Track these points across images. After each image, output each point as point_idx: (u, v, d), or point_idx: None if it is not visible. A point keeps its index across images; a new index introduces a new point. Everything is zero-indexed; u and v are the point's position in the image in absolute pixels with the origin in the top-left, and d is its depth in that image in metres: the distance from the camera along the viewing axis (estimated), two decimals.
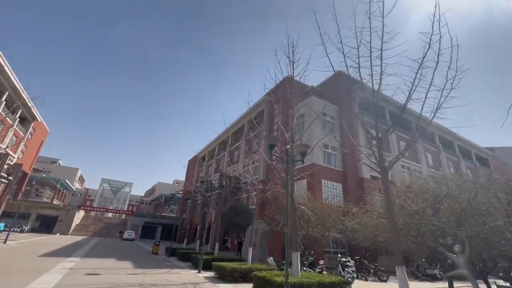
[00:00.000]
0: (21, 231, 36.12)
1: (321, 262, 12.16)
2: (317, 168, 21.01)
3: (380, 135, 5.98)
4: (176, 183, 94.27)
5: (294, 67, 10.79)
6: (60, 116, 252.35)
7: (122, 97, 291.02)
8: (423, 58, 5.66)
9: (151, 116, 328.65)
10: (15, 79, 30.49)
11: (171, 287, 8.00)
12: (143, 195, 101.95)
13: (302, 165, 20.26)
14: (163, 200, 71.81)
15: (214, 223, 25.63)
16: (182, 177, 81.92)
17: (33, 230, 39.05)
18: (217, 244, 14.44)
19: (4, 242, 18.20)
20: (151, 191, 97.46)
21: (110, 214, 62.19)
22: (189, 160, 62.67)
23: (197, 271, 11.34)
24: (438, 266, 15.23)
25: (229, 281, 9.23)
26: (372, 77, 6.07)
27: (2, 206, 32.07)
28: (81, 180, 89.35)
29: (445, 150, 35.11)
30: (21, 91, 31.76)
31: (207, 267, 11.64)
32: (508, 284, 7.99)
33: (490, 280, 7.82)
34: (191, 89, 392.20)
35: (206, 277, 10.11)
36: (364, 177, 23.76)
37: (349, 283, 7.32)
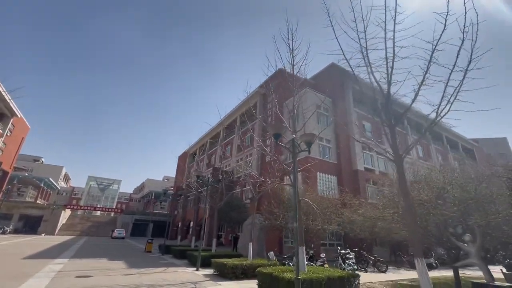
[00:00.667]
0: (3, 233, 34.41)
1: (322, 255, 11.97)
2: (313, 161, 20.83)
3: (393, 122, 5.64)
4: (166, 179, 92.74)
5: (294, 55, 10.34)
6: (41, 113, 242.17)
7: (107, 92, 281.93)
8: (439, 39, 5.33)
9: (138, 112, 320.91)
10: None
11: (170, 287, 7.53)
12: (132, 192, 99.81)
13: (297, 158, 20.04)
14: (153, 197, 70.49)
15: (208, 218, 25.13)
16: (171, 173, 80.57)
17: (16, 231, 37.30)
18: (214, 240, 13.98)
19: None
20: (140, 188, 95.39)
21: (98, 213, 60.48)
22: (179, 156, 61.52)
23: (195, 268, 10.89)
24: (434, 255, 15.45)
25: (230, 278, 8.85)
26: (386, 60, 5.69)
27: None
28: (66, 178, 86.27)
29: (434, 142, 35.87)
30: None
31: (204, 264, 11.23)
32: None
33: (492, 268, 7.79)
34: (179, 82, 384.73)
35: (205, 275, 9.68)
36: (358, 169, 23.84)
37: (358, 276, 7.08)
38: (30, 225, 39.18)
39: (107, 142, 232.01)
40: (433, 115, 5.29)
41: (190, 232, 34.20)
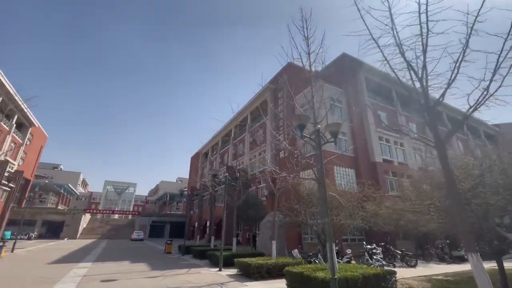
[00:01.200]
0: (29, 238, 35.66)
1: (348, 251, 11.50)
2: (331, 154, 20.28)
3: (433, 105, 5.12)
4: (180, 180, 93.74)
5: (309, 43, 9.84)
6: (56, 121, 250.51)
7: (118, 98, 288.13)
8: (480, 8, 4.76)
9: (149, 115, 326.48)
10: (7, 83, 29.41)
11: None
12: (147, 194, 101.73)
13: (311, 153, 19.53)
14: (168, 198, 71.48)
15: (225, 217, 25.01)
16: (184, 174, 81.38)
17: (40, 237, 38.59)
18: (234, 240, 13.73)
19: (12, 251, 17.58)
20: (155, 191, 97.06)
21: (116, 216, 61.87)
22: (191, 157, 62.00)
23: (217, 269, 10.67)
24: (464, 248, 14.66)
25: (256, 278, 8.56)
26: (421, 36, 5.15)
27: (6, 214, 31.42)
28: (84, 184, 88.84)
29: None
30: (14, 95, 30.72)
31: (226, 263, 11.01)
32: None
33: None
34: (187, 84, 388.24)
35: (229, 275, 9.44)
36: (377, 161, 23.04)
37: (394, 273, 6.61)
38: (53, 230, 40.45)
39: (121, 147, 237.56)
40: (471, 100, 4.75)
41: (207, 232, 34.34)
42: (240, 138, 37.74)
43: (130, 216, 57.59)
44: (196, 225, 41.05)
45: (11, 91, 29.93)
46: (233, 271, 10.21)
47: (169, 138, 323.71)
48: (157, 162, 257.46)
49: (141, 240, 38.47)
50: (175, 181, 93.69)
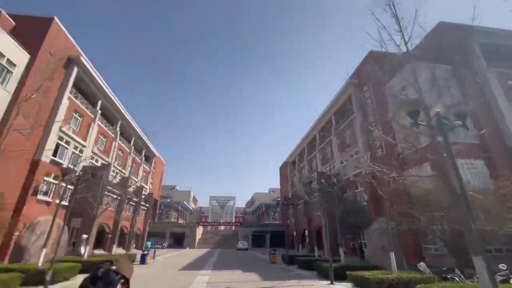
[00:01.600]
0: (162, 247, 43.91)
1: (503, 266, 8.71)
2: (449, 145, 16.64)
3: None
4: (272, 191, 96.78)
5: (400, 20, 8.44)
6: (166, 148, 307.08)
7: (209, 119, 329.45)
8: None
9: (234, 133, 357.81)
10: (138, 129, 38.19)
11: None
12: (244, 206, 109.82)
13: (421, 145, 16.44)
14: (264, 209, 74.79)
15: (324, 226, 23.89)
16: (275, 184, 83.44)
17: (169, 246, 46.94)
18: (341, 250, 12.71)
19: (153, 258, 21.93)
20: (251, 202, 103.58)
21: (222, 227, 69.00)
22: (280, 168, 63.37)
23: (328, 281, 10.02)
24: None
25: None
26: None
27: (146, 228, 39.96)
28: (194, 200, 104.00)
29: None
30: (142, 136, 39.60)
31: (337, 276, 10.20)
32: None
33: None
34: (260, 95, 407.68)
35: None
36: None
37: None
38: (177, 240, 48.63)
39: (217, 164, 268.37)
40: None
41: (307, 241, 33.65)
42: (326, 141, 36.07)
43: (233, 227, 63.16)
44: (294, 234, 41.01)
45: (141, 135, 38.67)
46: (347, 285, 9.35)
47: (259, 151, 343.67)
48: (250, 175, 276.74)
49: (246, 249, 41.20)
50: (267, 191, 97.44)
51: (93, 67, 25.98)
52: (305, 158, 45.13)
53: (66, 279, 11.11)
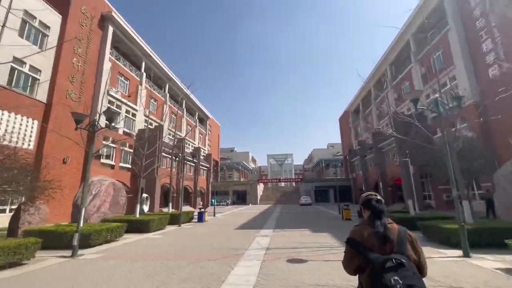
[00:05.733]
0: (226, 204, 45.56)
1: None
2: None
3: None
4: (331, 146, 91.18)
5: None
6: (221, 112, 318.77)
7: (264, 82, 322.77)
8: None
9: (294, 93, 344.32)
10: (187, 90, 37.26)
11: None
12: (302, 163, 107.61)
13: None
14: (323, 165, 70.97)
15: (415, 175, 19.22)
16: (334, 139, 76.90)
17: (233, 203, 48.57)
18: (466, 204, 8.35)
19: (214, 215, 21.34)
20: (309, 159, 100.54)
21: (282, 184, 68.67)
22: (339, 118, 56.87)
23: (459, 252, 6.26)
24: None
25: None
26: None
27: (210, 187, 41.31)
28: (253, 160, 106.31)
29: None
30: (193, 98, 38.71)
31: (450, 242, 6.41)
32: None
33: None
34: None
35: (503, 269, 4.89)
36: None
37: None
38: (240, 197, 49.98)
39: (272, 123, 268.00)
40: None
41: (382, 195, 29.21)
42: (404, 73, 28.45)
43: (294, 183, 61.84)
44: (363, 188, 36.71)
45: (190, 94, 37.61)
46: (493, 260, 5.52)
47: (316, 107, 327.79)
48: (307, 131, 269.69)
49: (309, 204, 39.19)
50: (326, 147, 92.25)
51: (128, 24, 24.27)
52: (372, 102, 38.06)
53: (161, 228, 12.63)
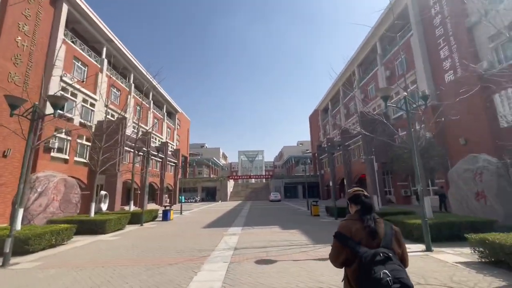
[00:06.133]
0: (195, 201, 44.24)
1: None
2: None
3: None
4: (300, 144, 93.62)
5: None
6: (191, 107, 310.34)
7: (233, 78, 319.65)
8: None
9: (264, 90, 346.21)
10: (154, 81, 35.02)
11: None
12: (273, 160, 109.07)
13: None
14: (293, 162, 72.54)
15: (378, 171, 20.15)
16: (303, 137, 79.06)
17: (202, 200, 47.36)
18: (427, 199, 8.74)
19: (181, 213, 20.37)
20: (279, 156, 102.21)
21: (253, 180, 68.78)
22: (310, 116, 58.30)
23: (423, 246, 6.43)
24: None
25: None
26: None
27: (177, 183, 39.65)
28: (224, 156, 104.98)
29: None
30: (161, 90, 36.63)
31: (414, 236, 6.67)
32: None
33: None
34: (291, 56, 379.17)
35: (462, 263, 5.05)
36: None
37: None
38: (210, 194, 48.90)
39: (245, 120, 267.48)
40: None
41: (346, 190, 30.47)
42: (370, 75, 29.86)
43: (264, 180, 62.23)
44: (330, 184, 38.00)
45: (157, 86, 35.40)
46: (457, 251, 5.74)
47: (287, 105, 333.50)
48: (277, 129, 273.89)
49: (279, 201, 39.63)
50: (296, 144, 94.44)
51: (85, 3, 21.85)
52: (340, 101, 39.46)
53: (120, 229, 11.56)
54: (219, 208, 27.21)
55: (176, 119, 47.83)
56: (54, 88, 18.57)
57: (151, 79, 17.79)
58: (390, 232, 1.62)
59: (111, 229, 10.53)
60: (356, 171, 29.57)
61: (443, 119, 14.12)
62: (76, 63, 21.98)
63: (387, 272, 1.36)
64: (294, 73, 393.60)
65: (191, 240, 8.61)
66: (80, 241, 8.75)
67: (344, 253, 1.59)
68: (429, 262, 5.32)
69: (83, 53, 22.62)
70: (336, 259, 1.64)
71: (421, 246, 6.47)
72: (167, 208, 15.43)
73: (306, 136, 59.16)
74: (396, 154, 14.90)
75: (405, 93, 7.05)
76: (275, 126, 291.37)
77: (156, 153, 27.92)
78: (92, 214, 11.33)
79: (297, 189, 49.20)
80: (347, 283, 1.63)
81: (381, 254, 1.45)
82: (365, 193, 1.81)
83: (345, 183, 30.50)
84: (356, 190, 1.88)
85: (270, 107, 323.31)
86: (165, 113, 42.16)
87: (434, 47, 19.20)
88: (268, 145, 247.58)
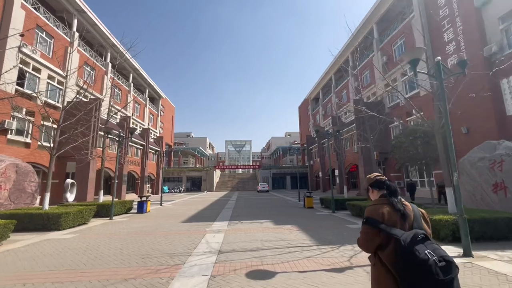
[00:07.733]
0: (180, 192, 42.28)
1: None
2: None
3: None
4: (288, 135, 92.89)
5: None
6: (178, 96, 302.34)
7: (221, 66, 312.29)
8: None
9: (253, 80, 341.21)
10: (137, 64, 32.21)
11: None
12: (260, 151, 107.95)
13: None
14: (281, 153, 71.60)
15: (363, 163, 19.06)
16: (292, 128, 77.72)
17: (187, 190, 45.43)
18: (449, 191, 7.53)
19: (160, 204, 18.56)
20: (267, 147, 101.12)
21: (240, 170, 67.28)
22: (299, 107, 57.03)
23: (460, 250, 5.12)
24: None
25: None
26: None
27: (160, 173, 37.45)
28: (211, 146, 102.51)
29: None
30: (143, 73, 33.82)
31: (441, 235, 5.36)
32: None
33: None
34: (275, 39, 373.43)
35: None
36: None
37: None
38: (195, 184, 47.02)
39: (232, 110, 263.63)
40: None
41: (338, 181, 29.62)
42: (365, 62, 28.59)
43: (251, 170, 60.88)
44: (320, 175, 37.21)
45: (140, 69, 32.51)
46: (501, 259, 4.47)
47: (274, 96, 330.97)
48: (265, 120, 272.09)
49: (267, 191, 38.46)
50: (284, 136, 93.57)
51: None
52: (332, 90, 38.21)
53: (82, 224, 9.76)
54: (204, 198, 25.54)
55: (160, 105, 45.08)
56: (10, 61, 15.93)
57: (124, 52, 15.47)
58: (418, 213, 1.63)
59: (68, 224, 8.66)
60: (348, 162, 28.65)
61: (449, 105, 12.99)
62: (40, 33, 19.15)
63: (430, 251, 1.35)
64: (283, 63, 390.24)
65: (164, 239, 6.96)
66: (21, 241, 6.87)
67: (378, 238, 1.54)
68: (479, 274, 3.98)
69: (49, 23, 19.75)
70: (369, 245, 1.59)
71: (454, 249, 5.17)
72: (143, 199, 13.57)
73: (295, 127, 58.27)
74: (398, 142, 13.72)
75: (439, 58, 5.54)
76: (263, 117, 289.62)
77: (136, 140, 25.61)
78: (46, 206, 9.36)
79: (285, 179, 48.28)
80: (379, 267, 1.54)
81: (420, 235, 1.44)
82: (385, 178, 1.80)
83: (336, 173, 29.55)
84: (377, 175, 1.84)
85: (257, 98, 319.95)
86: (147, 98, 39.39)
87: (438, 29, 17.99)
88: (256, 136, 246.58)
